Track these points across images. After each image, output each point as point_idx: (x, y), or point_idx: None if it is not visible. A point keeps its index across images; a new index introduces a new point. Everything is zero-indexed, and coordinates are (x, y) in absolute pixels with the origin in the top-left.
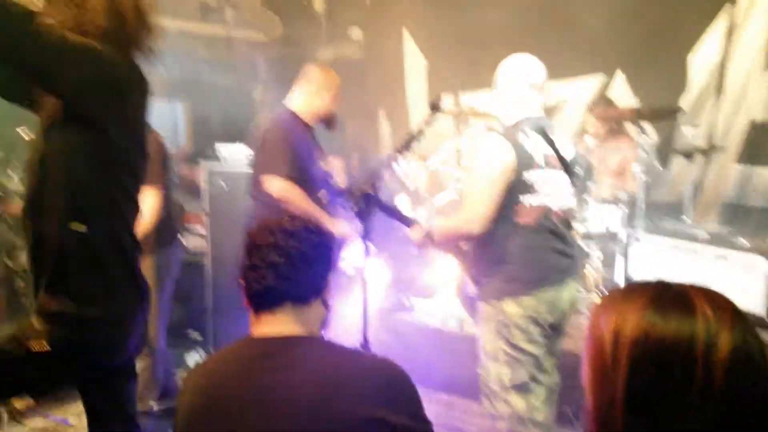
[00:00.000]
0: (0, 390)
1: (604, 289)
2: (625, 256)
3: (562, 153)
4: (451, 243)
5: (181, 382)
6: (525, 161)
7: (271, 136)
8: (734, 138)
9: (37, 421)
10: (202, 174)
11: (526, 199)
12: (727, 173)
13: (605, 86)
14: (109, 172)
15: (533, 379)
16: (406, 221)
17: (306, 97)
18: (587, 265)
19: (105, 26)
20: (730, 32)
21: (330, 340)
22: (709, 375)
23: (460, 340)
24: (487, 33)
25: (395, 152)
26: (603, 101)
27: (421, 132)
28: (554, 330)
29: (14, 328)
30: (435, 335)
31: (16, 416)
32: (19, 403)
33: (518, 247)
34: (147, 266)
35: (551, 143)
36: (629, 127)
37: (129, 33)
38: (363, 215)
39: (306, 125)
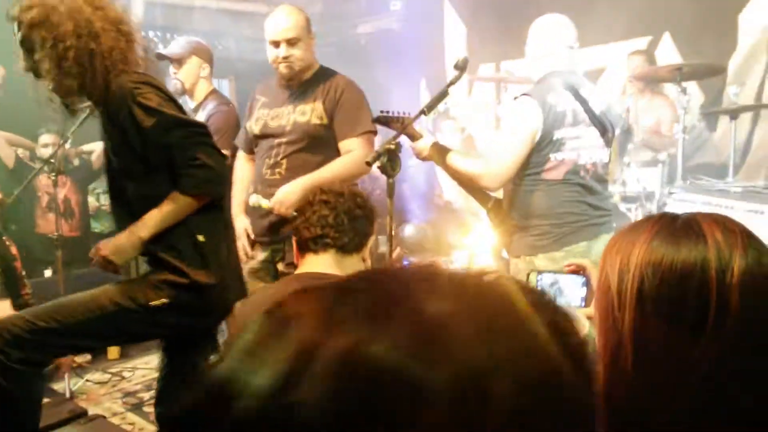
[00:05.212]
0: (107, 338)
1: None
2: None
3: (593, 108)
4: (457, 180)
5: (232, 318)
6: (556, 121)
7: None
8: None
9: (95, 375)
10: None
11: (555, 156)
12: None
13: (652, 48)
14: None
15: None
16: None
17: None
18: None
19: None
20: None
21: None
22: (724, 299)
23: None
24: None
25: (419, 112)
26: (643, 58)
27: (445, 92)
28: None
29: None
30: None
31: (77, 370)
32: (79, 358)
33: (547, 202)
34: None
35: (581, 99)
36: (667, 87)
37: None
38: (387, 171)
39: None
